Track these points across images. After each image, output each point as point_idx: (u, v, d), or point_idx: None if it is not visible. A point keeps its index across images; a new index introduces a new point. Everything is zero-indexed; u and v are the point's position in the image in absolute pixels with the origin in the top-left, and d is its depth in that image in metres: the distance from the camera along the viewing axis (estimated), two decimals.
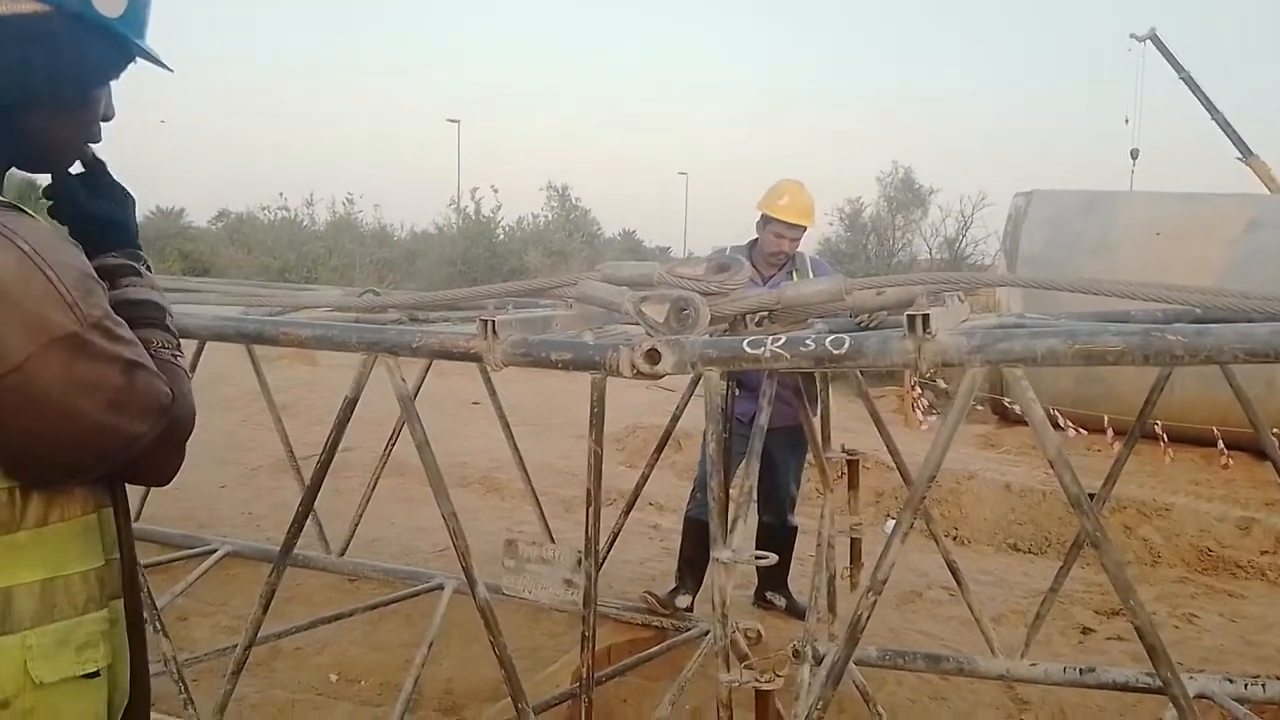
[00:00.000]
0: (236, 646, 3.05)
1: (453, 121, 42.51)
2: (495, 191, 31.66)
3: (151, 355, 1.27)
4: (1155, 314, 3.49)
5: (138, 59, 1.33)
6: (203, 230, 32.54)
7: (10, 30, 1.17)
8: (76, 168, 1.42)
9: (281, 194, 32.89)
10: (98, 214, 1.43)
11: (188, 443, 1.32)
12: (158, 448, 1.24)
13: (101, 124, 1.36)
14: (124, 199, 1.47)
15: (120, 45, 1.29)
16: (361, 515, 4.78)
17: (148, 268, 1.46)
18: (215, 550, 4.92)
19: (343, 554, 4.82)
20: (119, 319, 1.20)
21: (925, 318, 2.13)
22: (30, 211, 1.18)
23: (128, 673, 1.33)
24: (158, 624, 3.08)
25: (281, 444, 5.04)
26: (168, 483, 1.35)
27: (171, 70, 1.37)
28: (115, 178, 1.47)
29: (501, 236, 30.05)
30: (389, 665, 4.01)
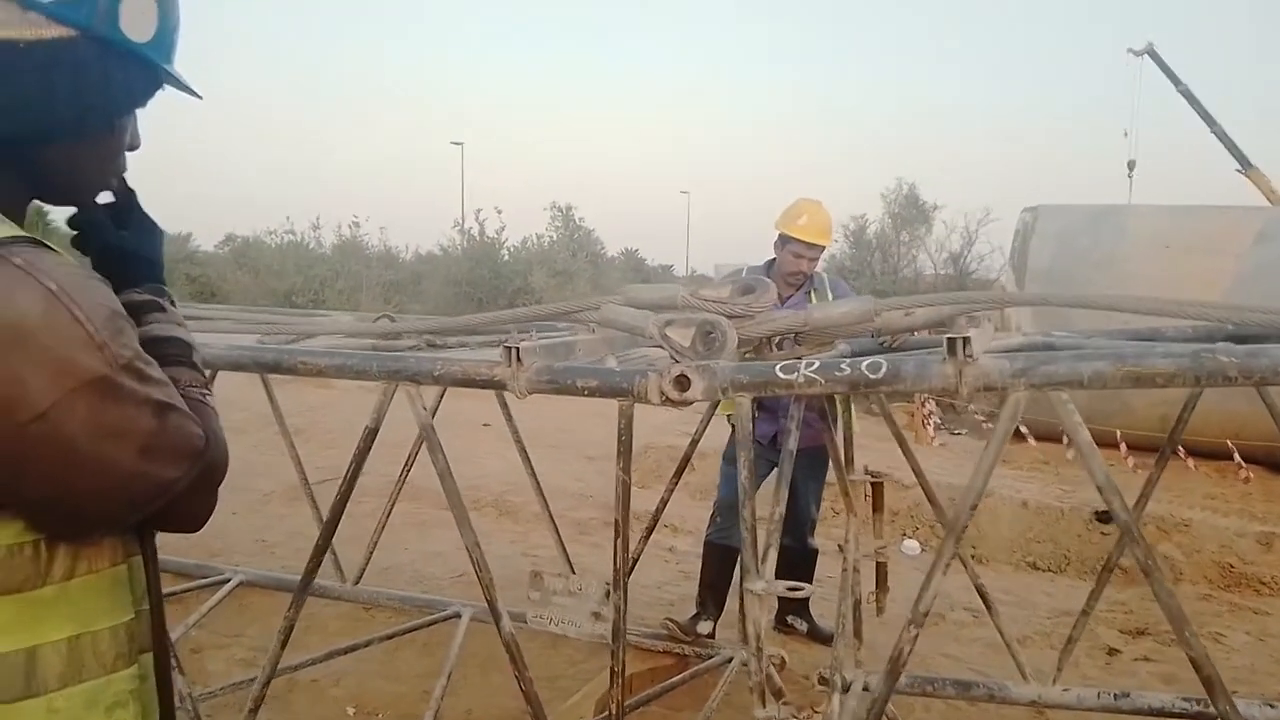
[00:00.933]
0: (254, 681, 2.99)
1: (456, 144, 42.67)
2: (499, 212, 31.70)
3: (181, 394, 1.19)
4: (1185, 330, 3.43)
5: (166, 85, 1.26)
6: (210, 255, 32.56)
7: (35, 56, 1.10)
8: (105, 197, 1.35)
9: (288, 218, 32.98)
10: (124, 247, 1.36)
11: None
12: (192, 493, 1.17)
13: (128, 153, 1.28)
14: (153, 232, 1.41)
15: (149, 71, 1.22)
16: (376, 543, 4.71)
17: (171, 303, 1.40)
18: (228, 580, 4.86)
19: (358, 582, 4.75)
20: (149, 358, 1.13)
21: (967, 340, 2.08)
22: (53, 246, 1.11)
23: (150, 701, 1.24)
24: (173, 657, 3.02)
25: (295, 470, 4.98)
26: (200, 528, 1.26)
27: (201, 97, 1.30)
28: (144, 210, 1.40)
29: (506, 257, 30.05)
30: (407, 697, 3.93)
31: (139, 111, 1.28)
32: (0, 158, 1.14)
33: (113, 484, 1.08)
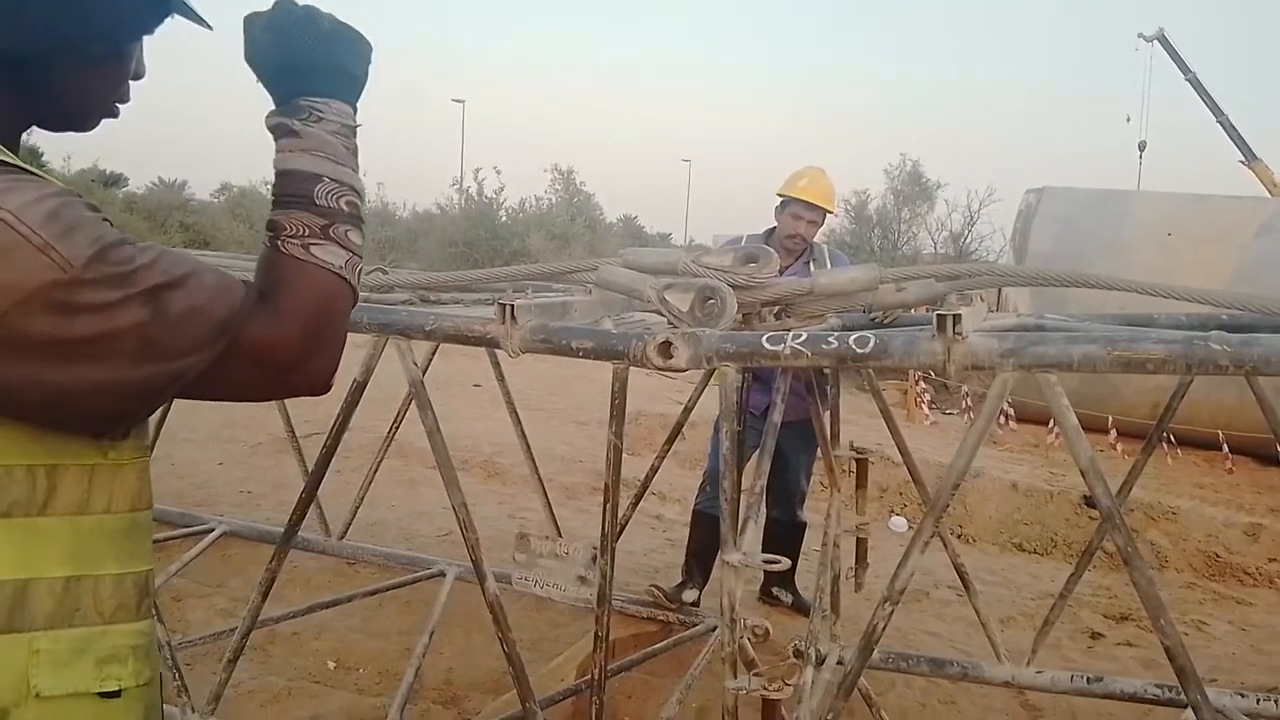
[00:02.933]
0: (234, 632, 2.98)
1: (458, 101, 42.36)
2: (498, 173, 31.47)
3: (276, 248, 1.11)
4: (1179, 318, 3.42)
5: (175, 15, 1.19)
6: (205, 203, 32.34)
7: None
8: None
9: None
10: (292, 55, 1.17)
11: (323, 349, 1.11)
12: (248, 366, 1.05)
13: (132, 83, 1.21)
14: (336, 38, 1.18)
15: None
16: (363, 499, 4.70)
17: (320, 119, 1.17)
18: (212, 529, 4.85)
19: (343, 537, 4.75)
20: (127, 241, 1.00)
21: (957, 318, 2.06)
22: (37, 172, 1.04)
23: (159, 699, 1.17)
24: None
25: (281, 422, 4.96)
26: (322, 388, 1.14)
27: (211, 28, 1.22)
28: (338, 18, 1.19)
29: (504, 218, 29.89)
30: (388, 653, 3.95)
31: (146, 41, 1.21)
32: (2, 80, 1.09)
33: (104, 395, 0.99)
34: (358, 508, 4.72)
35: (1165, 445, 8.85)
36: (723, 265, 2.42)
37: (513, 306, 2.28)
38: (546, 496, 4.85)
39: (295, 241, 1.12)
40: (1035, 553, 6.67)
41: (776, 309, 2.81)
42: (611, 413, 2.36)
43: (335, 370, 1.14)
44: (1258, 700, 3.36)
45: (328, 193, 1.15)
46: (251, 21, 1.15)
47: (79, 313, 0.95)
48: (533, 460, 4.81)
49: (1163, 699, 3.32)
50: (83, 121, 1.20)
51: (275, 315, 1.08)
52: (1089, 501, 6.77)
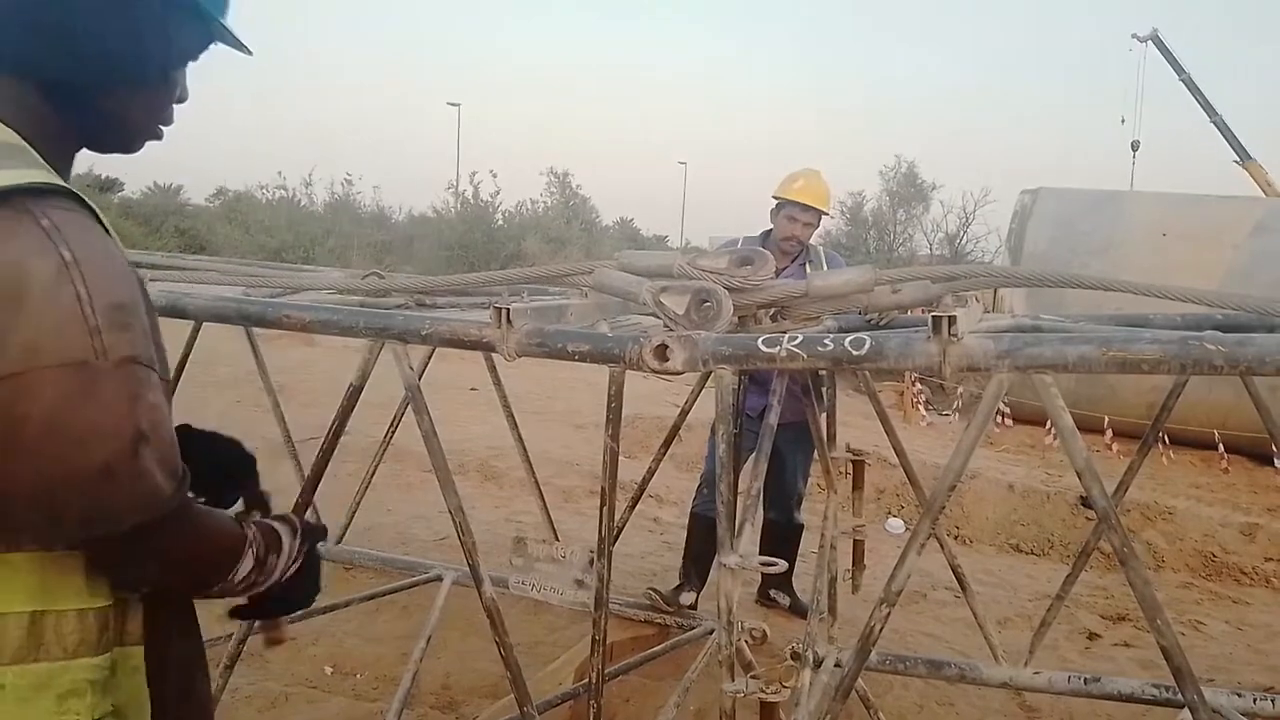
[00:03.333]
0: (230, 638, 2.98)
1: (453, 105, 42.36)
2: (494, 176, 31.49)
3: (243, 522, 1.26)
4: (1174, 319, 3.43)
5: (217, 41, 1.27)
6: (200, 208, 32.34)
7: (97, 3, 1.11)
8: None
9: (280, 173, 32.70)
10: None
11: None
12: (122, 547, 1.06)
13: (175, 106, 1.28)
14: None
15: (204, 25, 1.23)
16: (359, 503, 4.70)
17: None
18: None
19: (339, 542, 4.73)
20: (153, 367, 1.06)
21: (952, 319, 2.06)
22: (91, 203, 1.08)
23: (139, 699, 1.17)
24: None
25: (278, 427, 4.95)
26: (120, 583, 1.15)
27: (251, 53, 1.31)
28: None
29: (500, 221, 29.90)
30: (386, 658, 3.94)
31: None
32: (58, 105, 1.14)
33: (44, 491, 0.98)
34: (354, 512, 4.72)
35: (1160, 445, 8.87)
36: (718, 268, 2.41)
37: (508, 310, 2.28)
38: (543, 500, 4.85)
39: (249, 527, 1.25)
40: (1032, 553, 6.68)
41: (772, 311, 2.81)
42: (608, 416, 2.36)
43: (140, 583, 1.16)
44: (1254, 700, 3.37)
45: (272, 563, 1.27)
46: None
47: (87, 397, 0.98)
48: (529, 464, 4.81)
49: (1160, 699, 3.32)
50: (129, 143, 1.26)
51: (197, 521, 1.16)
52: (1085, 502, 6.78)
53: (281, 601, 1.36)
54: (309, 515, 3.72)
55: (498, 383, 4.54)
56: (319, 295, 3.64)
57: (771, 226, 4.62)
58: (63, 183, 1.07)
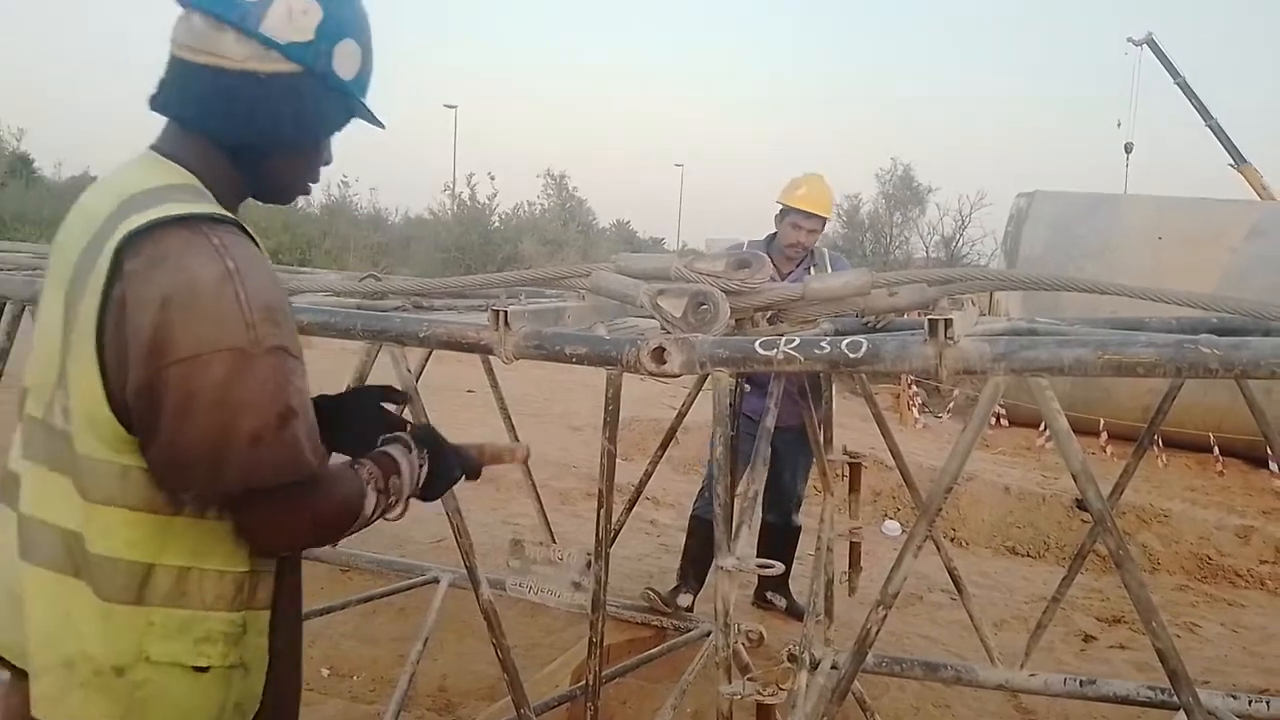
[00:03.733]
0: None
1: (450, 107, 42.39)
2: (492, 178, 31.47)
3: (358, 465, 1.44)
4: (1169, 322, 3.44)
5: (358, 115, 1.52)
6: None
7: (269, 86, 1.38)
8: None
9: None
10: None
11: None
12: (269, 510, 1.29)
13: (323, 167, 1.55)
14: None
15: (349, 103, 1.49)
16: None
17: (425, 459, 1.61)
18: None
19: (335, 544, 4.73)
20: (298, 356, 1.31)
21: (949, 322, 2.07)
22: (250, 232, 1.37)
23: (259, 684, 1.41)
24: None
25: None
26: (271, 549, 1.39)
27: (384, 127, 1.56)
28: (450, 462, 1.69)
29: (497, 224, 29.88)
30: (382, 660, 3.94)
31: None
32: (234, 162, 1.43)
33: (211, 449, 1.23)
34: None
35: (1155, 448, 8.89)
36: (715, 271, 2.42)
37: (506, 313, 2.29)
38: (540, 502, 4.86)
39: (364, 470, 1.44)
40: (1028, 556, 6.69)
41: (769, 314, 2.81)
42: (605, 418, 2.37)
43: (282, 542, 1.39)
44: (1249, 702, 3.38)
45: (395, 476, 1.51)
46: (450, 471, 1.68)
47: (244, 375, 1.23)
48: (526, 466, 4.82)
49: (1155, 701, 3.33)
50: (285, 197, 1.55)
51: (328, 492, 1.36)
52: (1081, 504, 6.79)
53: (428, 496, 1.64)
54: None
55: (495, 385, 4.54)
56: (316, 297, 3.64)
57: (775, 231, 4.63)
58: (230, 215, 1.34)
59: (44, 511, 1.32)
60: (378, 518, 1.48)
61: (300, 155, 1.49)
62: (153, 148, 1.43)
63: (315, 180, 1.55)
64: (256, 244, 1.37)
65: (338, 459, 1.49)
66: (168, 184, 1.35)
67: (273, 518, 1.31)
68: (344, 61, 1.45)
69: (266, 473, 1.25)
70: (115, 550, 1.28)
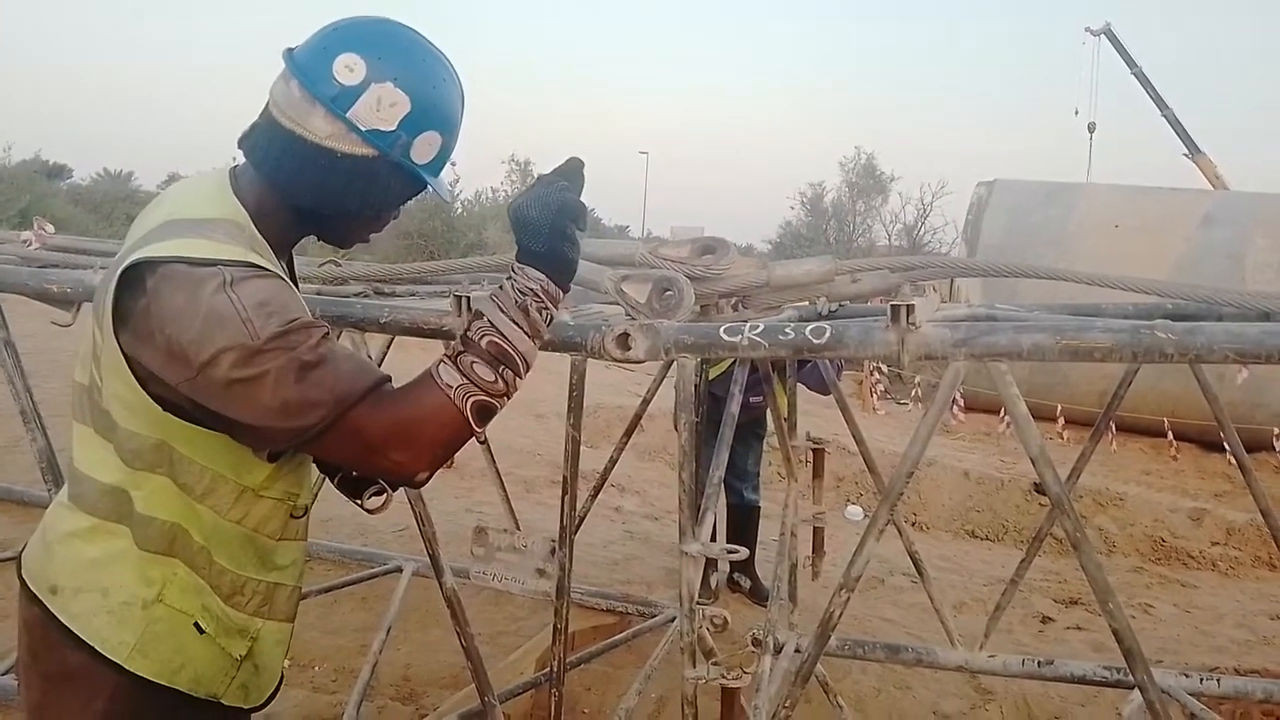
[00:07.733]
0: None
1: None
2: (454, 165, 31.04)
3: (433, 374, 1.41)
4: (1126, 308, 3.48)
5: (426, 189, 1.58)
6: (151, 194, 31.70)
7: (345, 164, 1.46)
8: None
9: (234, 158, 32.19)
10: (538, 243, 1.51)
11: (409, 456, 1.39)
12: (347, 439, 1.35)
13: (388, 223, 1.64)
14: (573, 245, 1.53)
15: (420, 183, 1.55)
16: (317, 494, 4.64)
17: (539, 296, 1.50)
18: None
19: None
20: (304, 331, 1.34)
21: (910, 308, 2.08)
22: (281, 272, 1.45)
23: (270, 686, 1.63)
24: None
25: None
26: (405, 482, 1.46)
27: (451, 202, 1.64)
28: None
29: (460, 210, 29.66)
30: (345, 650, 3.91)
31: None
32: (294, 212, 1.52)
33: (257, 413, 1.33)
34: (312, 503, 4.66)
35: (1111, 436, 9.03)
36: (679, 257, 2.42)
37: (469, 299, 2.27)
38: (504, 490, 4.83)
39: (441, 361, 1.43)
40: (987, 539, 6.78)
41: (734, 300, 2.82)
42: (570, 404, 2.36)
43: (423, 470, 1.42)
44: (1201, 680, 3.44)
45: (477, 328, 1.46)
46: (533, 203, 1.49)
47: (251, 366, 1.31)
48: (490, 453, 4.79)
49: (1111, 680, 3.39)
50: (343, 245, 1.65)
51: (379, 408, 1.36)
52: (1039, 488, 6.89)
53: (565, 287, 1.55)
54: None
55: None
56: None
57: None
58: (256, 260, 1.40)
59: (91, 469, 1.47)
60: (501, 379, 1.44)
61: (362, 223, 1.59)
62: (233, 169, 1.56)
63: (378, 231, 1.65)
64: (282, 278, 1.43)
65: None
66: (212, 218, 1.46)
67: (347, 446, 1.37)
68: (422, 149, 1.52)
69: (305, 413, 1.32)
70: (154, 511, 1.44)
